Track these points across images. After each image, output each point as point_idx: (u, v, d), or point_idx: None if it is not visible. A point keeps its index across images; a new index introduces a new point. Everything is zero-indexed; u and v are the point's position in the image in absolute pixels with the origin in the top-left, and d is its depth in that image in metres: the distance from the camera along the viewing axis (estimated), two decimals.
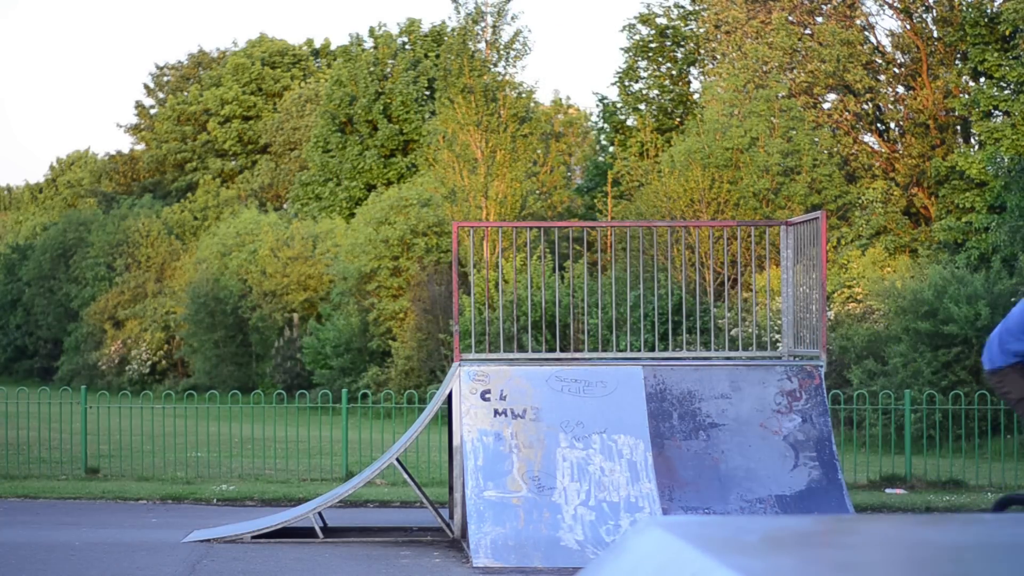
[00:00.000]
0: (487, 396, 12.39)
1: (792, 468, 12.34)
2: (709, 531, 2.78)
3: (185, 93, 68.15)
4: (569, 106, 57.58)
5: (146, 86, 71.63)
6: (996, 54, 31.57)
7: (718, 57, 39.01)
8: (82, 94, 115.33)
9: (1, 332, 62.20)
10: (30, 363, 60.48)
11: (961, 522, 3.04)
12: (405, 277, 39.86)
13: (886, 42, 36.21)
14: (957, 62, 34.14)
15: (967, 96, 33.29)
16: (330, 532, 13.05)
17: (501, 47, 36.46)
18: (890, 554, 2.60)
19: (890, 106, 35.86)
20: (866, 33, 35.89)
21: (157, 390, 43.93)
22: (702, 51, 40.73)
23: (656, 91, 42.04)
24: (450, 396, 12.68)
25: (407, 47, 53.28)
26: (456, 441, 12.65)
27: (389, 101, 50.48)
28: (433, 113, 46.27)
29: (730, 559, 2.44)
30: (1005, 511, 10.88)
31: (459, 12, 36.82)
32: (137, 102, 71.05)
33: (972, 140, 34.38)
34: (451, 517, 12.97)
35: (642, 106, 41.85)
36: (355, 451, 19.52)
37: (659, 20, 42.04)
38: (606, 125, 43.60)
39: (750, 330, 21.52)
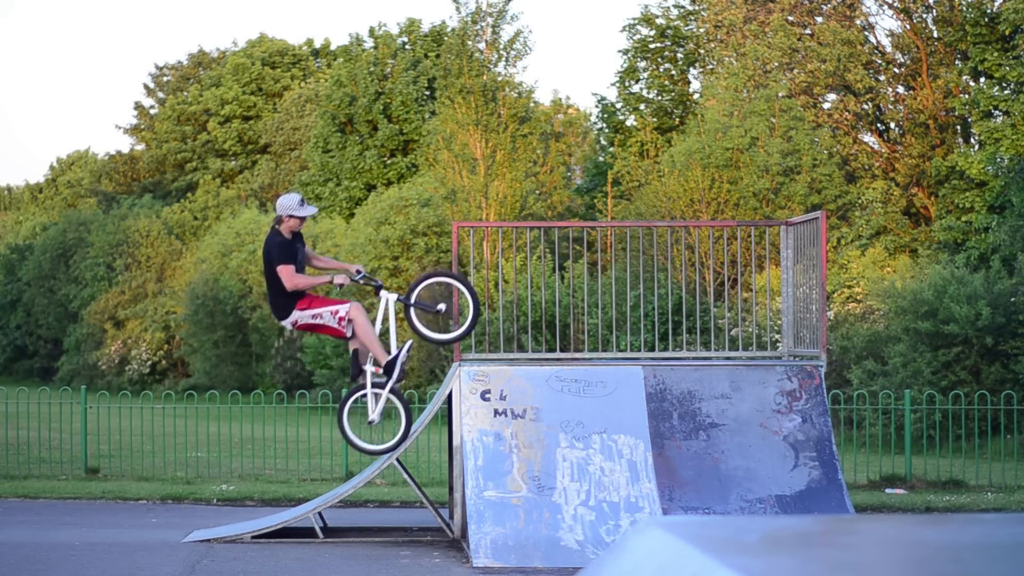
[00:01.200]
0: (487, 396, 12.40)
1: (792, 468, 12.34)
2: (709, 531, 2.78)
3: (185, 93, 68.15)
4: (569, 106, 57.58)
5: (146, 86, 71.65)
6: (996, 54, 31.57)
7: (717, 59, 39.01)
8: (82, 94, 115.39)
9: (1, 332, 62.21)
10: (30, 363, 60.49)
11: (961, 522, 3.04)
12: (405, 277, 39.86)
13: (886, 42, 36.23)
14: (957, 62, 34.14)
15: (967, 96, 33.30)
16: (330, 532, 13.05)
17: (501, 47, 36.46)
18: (890, 554, 2.60)
19: (890, 106, 35.86)
20: (866, 33, 35.89)
21: (157, 390, 43.96)
22: (702, 51, 40.75)
23: (656, 91, 42.05)
24: (450, 396, 12.68)
25: (407, 47, 53.29)
26: (456, 441, 12.65)
27: (389, 101, 50.49)
28: (433, 113, 46.28)
29: (730, 559, 2.44)
30: None
31: (459, 12, 36.81)
32: (136, 102, 71.09)
33: (972, 140, 34.39)
34: (451, 517, 12.97)
35: (642, 106, 41.85)
36: (355, 451, 19.51)
37: (659, 21, 42.05)
38: (605, 126, 43.61)
39: (750, 330, 21.53)
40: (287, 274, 11.83)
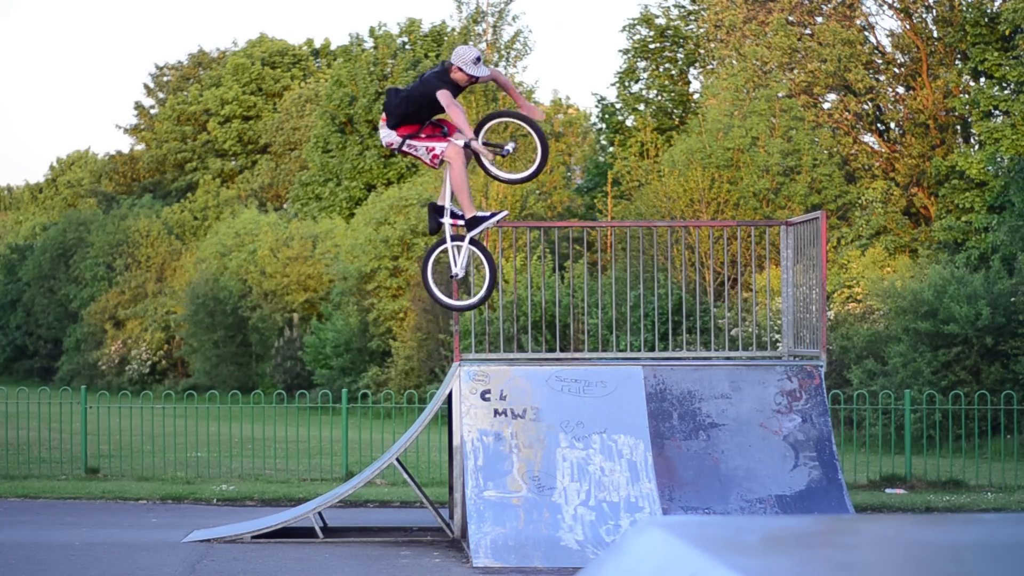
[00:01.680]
0: (487, 396, 12.39)
1: (792, 468, 12.34)
2: (709, 531, 2.78)
3: (185, 93, 68.16)
4: (569, 106, 57.56)
5: (146, 86, 71.67)
6: (996, 54, 31.58)
7: (717, 59, 39.01)
8: (82, 94, 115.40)
9: (1, 332, 62.20)
10: (30, 363, 60.48)
11: (961, 522, 3.04)
12: (405, 277, 39.87)
13: (886, 42, 36.24)
14: (957, 62, 34.15)
15: (967, 96, 33.30)
16: (330, 532, 13.05)
17: (502, 47, 36.45)
18: (890, 554, 2.60)
19: (890, 106, 35.86)
20: (866, 33, 35.90)
21: (157, 390, 43.95)
22: (702, 51, 40.75)
23: (656, 91, 42.05)
24: (450, 396, 12.68)
25: (407, 47, 53.28)
26: (456, 441, 12.65)
27: None
28: None
29: (730, 559, 2.44)
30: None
31: (460, 12, 36.79)
32: (137, 102, 71.10)
33: (972, 140, 34.39)
34: (451, 517, 12.97)
35: (641, 106, 41.85)
36: (355, 451, 19.53)
37: (659, 21, 42.05)
38: (605, 126, 43.61)
39: (750, 330, 21.52)
40: (447, 98, 11.18)
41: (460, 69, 11.24)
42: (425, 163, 11.60)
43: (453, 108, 11.21)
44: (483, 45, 36.66)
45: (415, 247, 39.86)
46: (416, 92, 11.41)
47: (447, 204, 11.77)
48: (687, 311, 19.77)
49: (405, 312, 39.26)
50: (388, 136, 11.54)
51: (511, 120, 11.88)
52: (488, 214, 11.66)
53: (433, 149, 11.47)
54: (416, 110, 11.41)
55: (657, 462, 12.24)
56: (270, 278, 46.83)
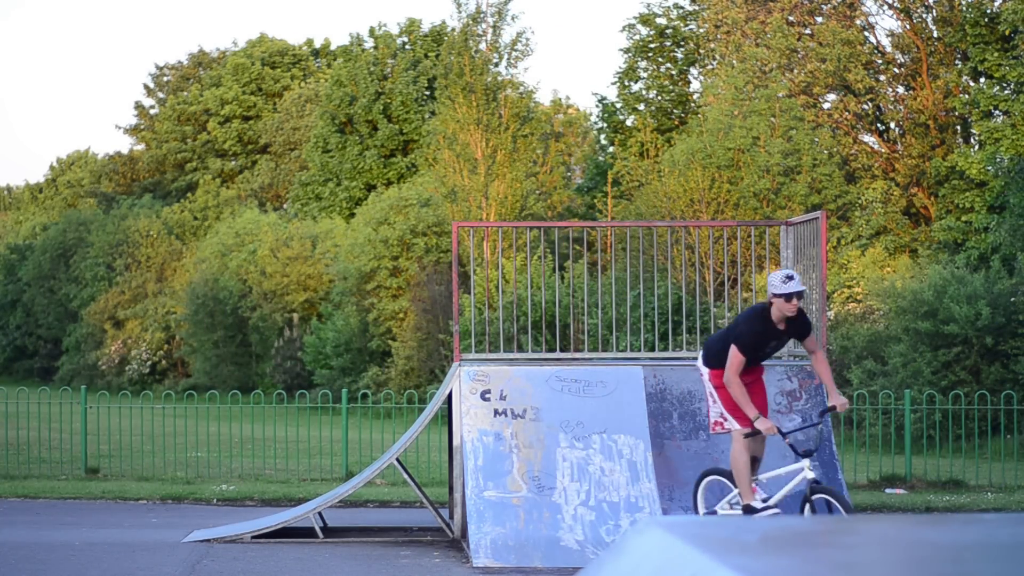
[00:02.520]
0: (487, 396, 12.39)
1: None
2: (709, 531, 2.78)
3: (185, 93, 68.16)
4: (569, 106, 57.56)
5: (146, 86, 71.67)
6: (996, 54, 31.57)
7: (717, 58, 39.02)
8: (82, 94, 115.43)
9: (1, 332, 62.20)
10: (30, 363, 60.48)
11: (961, 522, 3.04)
12: (405, 277, 39.86)
13: (886, 42, 36.24)
14: (957, 62, 34.15)
15: (967, 96, 33.30)
16: (330, 532, 13.05)
17: (502, 48, 36.41)
18: (890, 554, 2.60)
19: (890, 106, 35.86)
20: (866, 33, 35.90)
21: (157, 390, 43.95)
22: (702, 51, 40.76)
23: (655, 91, 42.05)
24: (450, 396, 12.67)
25: (407, 47, 53.29)
26: (456, 441, 12.64)
27: (389, 101, 50.49)
28: (433, 113, 46.29)
29: (730, 559, 2.44)
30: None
31: (460, 12, 36.74)
32: (137, 102, 71.09)
33: (972, 140, 34.39)
34: (451, 517, 12.97)
35: (641, 106, 41.84)
36: (355, 451, 19.52)
37: (659, 20, 42.06)
38: (605, 125, 43.62)
39: None
40: (734, 364, 10.36)
41: (775, 295, 10.31)
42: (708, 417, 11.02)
43: (734, 382, 10.36)
44: (483, 45, 36.62)
45: (415, 247, 39.85)
46: (726, 335, 10.69)
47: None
48: (687, 311, 19.76)
49: (405, 312, 39.26)
50: (704, 373, 10.88)
51: (829, 501, 10.77)
52: (760, 507, 10.82)
53: (723, 424, 10.77)
54: (750, 351, 10.57)
55: (657, 462, 12.23)
56: (270, 278, 46.82)
